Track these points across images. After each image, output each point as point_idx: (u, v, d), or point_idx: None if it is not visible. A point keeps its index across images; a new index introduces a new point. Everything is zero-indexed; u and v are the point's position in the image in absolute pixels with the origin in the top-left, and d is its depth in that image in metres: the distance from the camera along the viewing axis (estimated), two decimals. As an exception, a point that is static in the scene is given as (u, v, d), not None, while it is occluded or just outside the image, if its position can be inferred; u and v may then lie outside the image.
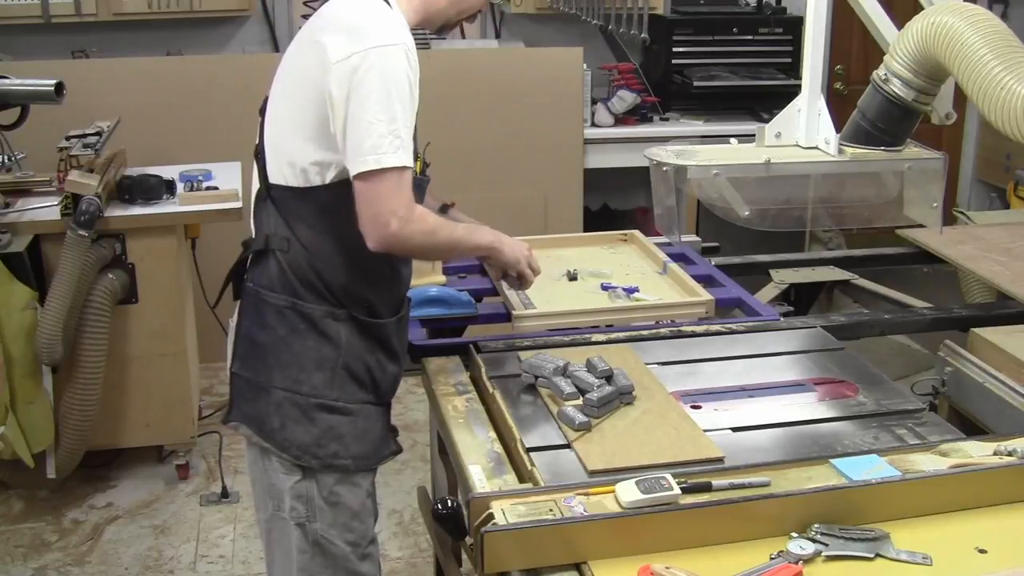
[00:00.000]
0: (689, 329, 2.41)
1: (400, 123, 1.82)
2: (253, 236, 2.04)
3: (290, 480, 2.00)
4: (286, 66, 2.00)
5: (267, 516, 2.06)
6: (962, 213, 3.89)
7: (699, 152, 2.63)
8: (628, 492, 1.59)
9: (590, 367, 2.04)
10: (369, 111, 1.80)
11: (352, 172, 1.83)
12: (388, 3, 1.94)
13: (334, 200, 1.91)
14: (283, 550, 2.04)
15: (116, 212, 3.39)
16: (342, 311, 1.97)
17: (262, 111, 2.04)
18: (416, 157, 2.00)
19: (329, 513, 2.02)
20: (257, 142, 2.02)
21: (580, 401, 1.95)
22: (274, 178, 1.96)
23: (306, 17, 4.80)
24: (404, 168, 1.84)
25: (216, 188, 3.62)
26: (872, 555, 1.53)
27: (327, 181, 1.91)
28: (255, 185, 2.04)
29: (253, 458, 2.06)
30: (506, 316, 2.44)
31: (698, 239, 3.27)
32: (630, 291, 2.56)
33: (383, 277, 2.02)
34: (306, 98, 1.88)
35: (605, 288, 2.59)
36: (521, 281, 2.26)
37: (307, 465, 1.99)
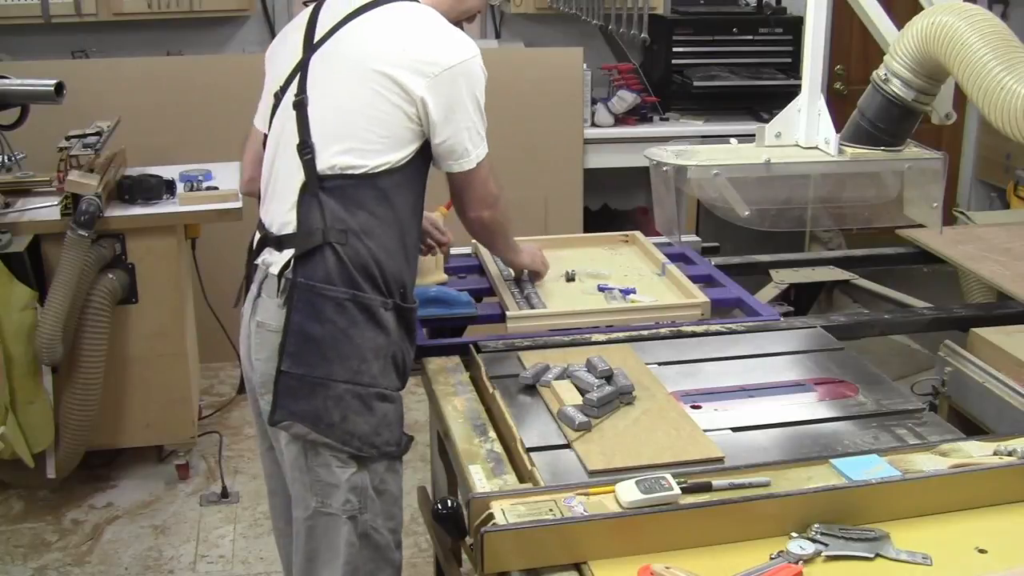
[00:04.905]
0: (689, 329, 2.41)
1: (484, 120, 2.11)
2: (290, 232, 2.03)
3: (346, 473, 2.03)
4: (341, 69, 2.04)
5: (308, 513, 2.05)
6: (962, 213, 3.89)
7: (699, 152, 2.62)
8: (628, 492, 1.59)
9: (590, 367, 2.05)
10: (466, 119, 2.05)
11: (454, 170, 2.10)
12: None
13: (391, 183, 2.03)
14: (329, 545, 2.05)
15: (116, 212, 3.39)
16: (389, 300, 2.04)
17: (297, 105, 2.05)
18: None
19: (377, 502, 2.08)
20: (298, 140, 2.03)
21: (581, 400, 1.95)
22: (328, 169, 2.00)
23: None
24: (487, 154, 2.13)
25: (216, 188, 3.62)
26: (872, 555, 1.53)
27: (391, 166, 2.02)
28: (275, 179, 2.07)
29: (294, 455, 2.05)
30: (505, 316, 2.44)
31: (698, 239, 3.27)
32: (627, 292, 2.56)
33: (412, 261, 2.16)
34: (386, 107, 2.00)
35: (602, 289, 2.59)
36: (535, 277, 2.62)
37: (367, 455, 2.03)
